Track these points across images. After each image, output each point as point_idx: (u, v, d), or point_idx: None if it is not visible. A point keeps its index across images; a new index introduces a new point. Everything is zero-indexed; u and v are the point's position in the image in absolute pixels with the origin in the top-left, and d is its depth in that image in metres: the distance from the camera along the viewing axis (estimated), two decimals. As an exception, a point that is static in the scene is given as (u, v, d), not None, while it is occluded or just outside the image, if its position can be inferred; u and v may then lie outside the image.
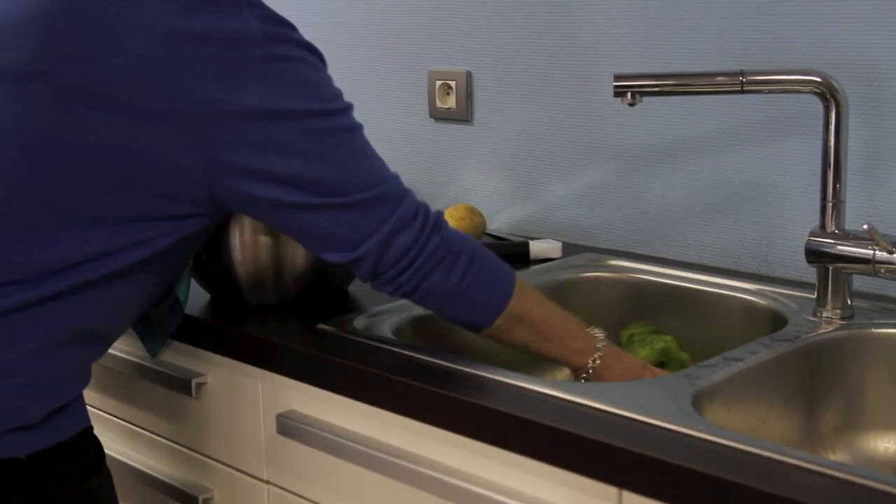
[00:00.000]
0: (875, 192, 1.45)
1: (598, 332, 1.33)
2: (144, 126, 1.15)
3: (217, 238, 1.40)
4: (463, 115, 1.92)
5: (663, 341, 1.48)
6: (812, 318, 1.36)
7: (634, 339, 1.50)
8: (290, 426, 1.32)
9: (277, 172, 1.17)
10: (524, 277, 1.57)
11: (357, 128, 1.25)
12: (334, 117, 1.22)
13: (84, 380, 1.27)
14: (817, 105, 1.34)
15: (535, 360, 1.55)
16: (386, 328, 1.35)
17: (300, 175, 1.18)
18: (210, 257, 1.42)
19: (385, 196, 1.22)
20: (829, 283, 1.35)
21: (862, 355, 1.31)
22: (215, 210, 1.23)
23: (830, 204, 1.34)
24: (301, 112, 1.19)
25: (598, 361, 1.30)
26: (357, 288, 1.52)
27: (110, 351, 1.57)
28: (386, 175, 1.24)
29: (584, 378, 1.30)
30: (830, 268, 1.35)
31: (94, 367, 1.63)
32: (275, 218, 1.23)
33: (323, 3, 2.12)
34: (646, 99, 1.41)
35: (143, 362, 1.52)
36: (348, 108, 1.25)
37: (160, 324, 1.44)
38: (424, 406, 1.17)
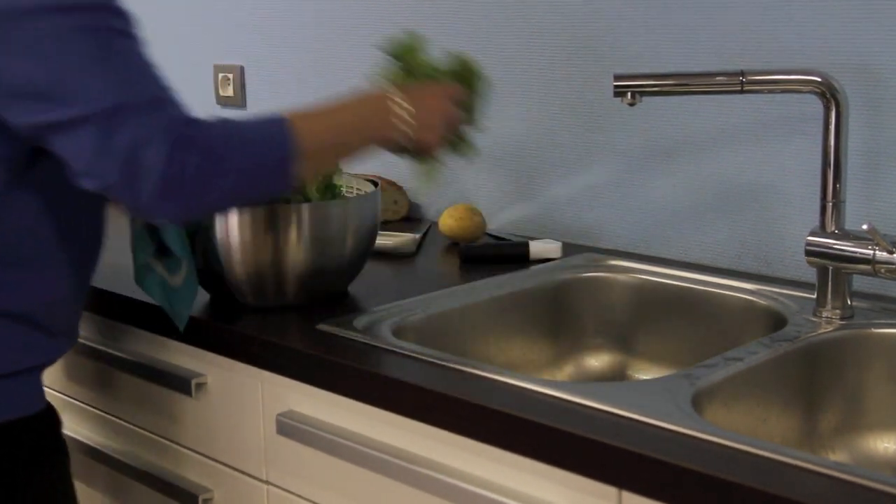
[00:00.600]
0: (875, 192, 1.45)
1: (371, 87, 1.28)
2: None
3: (217, 238, 1.40)
4: (463, 115, 1.92)
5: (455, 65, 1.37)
6: (812, 318, 1.36)
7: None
8: (289, 426, 1.32)
9: (9, 80, 1.10)
10: (524, 277, 1.57)
11: (117, 31, 1.12)
12: (83, 14, 1.10)
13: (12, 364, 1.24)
14: (817, 105, 1.34)
15: (535, 361, 1.55)
16: (386, 328, 1.35)
17: (30, 82, 1.09)
18: (210, 258, 1.42)
19: (128, 107, 1.09)
20: (829, 283, 1.35)
21: (862, 355, 1.31)
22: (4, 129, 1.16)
23: (830, 204, 1.34)
24: (37, 7, 1.09)
25: (409, 124, 1.25)
26: (357, 288, 1.52)
27: (110, 350, 1.58)
28: (140, 85, 1.12)
29: (409, 147, 1.27)
30: (830, 268, 1.35)
31: (94, 367, 1.63)
32: (28, 136, 1.15)
33: (323, 3, 2.12)
34: (646, 99, 1.41)
35: (143, 362, 1.52)
36: (107, 6, 1.13)
37: (181, 292, 1.40)
38: (424, 406, 1.17)
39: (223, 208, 1.25)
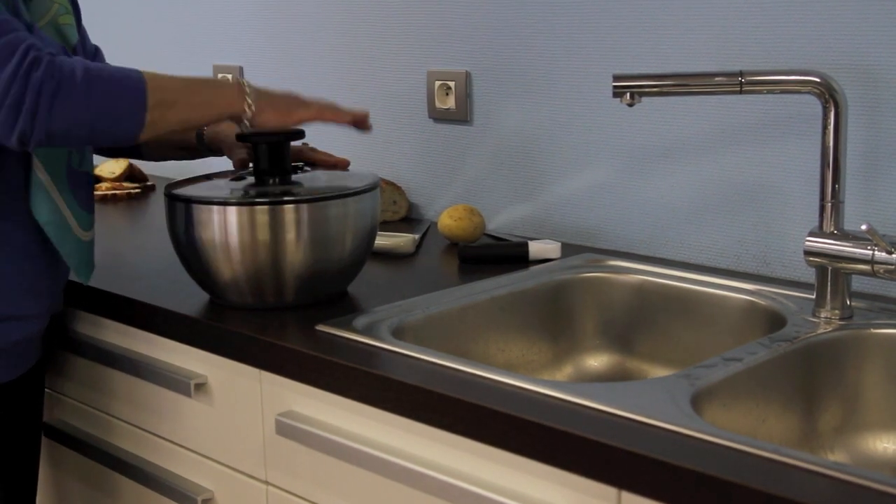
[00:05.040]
0: (874, 192, 1.45)
1: (230, 78, 1.42)
2: None
3: (216, 239, 1.40)
4: (462, 115, 1.92)
5: None
6: (811, 319, 1.36)
7: None
8: (289, 427, 1.32)
9: None
10: (524, 278, 1.58)
11: None
12: None
13: None
14: (816, 105, 1.34)
15: (534, 361, 1.55)
16: (385, 329, 1.35)
17: None
18: (210, 258, 1.42)
19: None
20: (829, 283, 1.35)
21: (861, 356, 1.31)
22: None
23: (829, 204, 1.34)
24: None
25: (251, 102, 1.38)
26: (356, 288, 1.52)
27: (110, 350, 1.58)
28: None
29: (247, 123, 1.38)
30: (829, 268, 1.35)
31: (93, 367, 1.63)
32: None
33: (322, 3, 2.12)
34: (645, 99, 1.41)
35: (143, 362, 1.52)
36: None
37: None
38: (424, 406, 1.17)
39: (67, 137, 1.30)
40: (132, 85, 1.31)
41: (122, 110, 1.30)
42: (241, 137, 1.46)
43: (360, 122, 1.50)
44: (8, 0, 1.35)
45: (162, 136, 1.40)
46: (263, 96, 1.41)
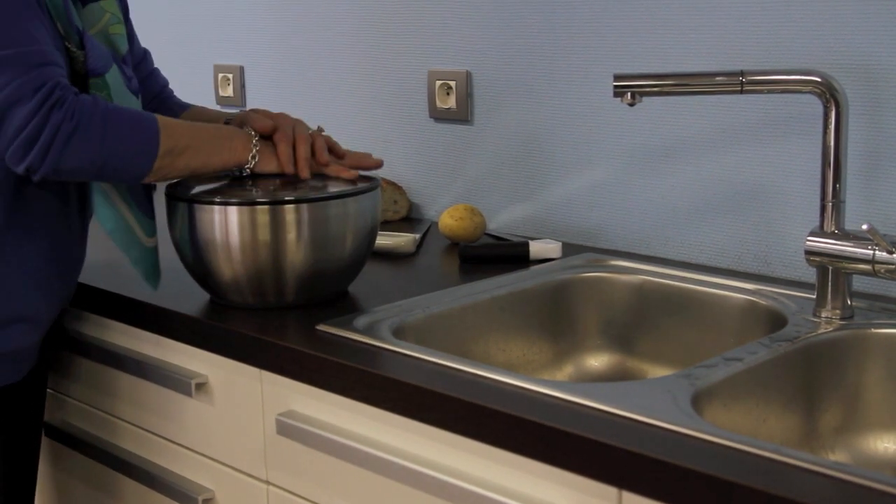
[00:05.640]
0: (875, 192, 1.45)
1: (241, 129, 1.46)
2: None
3: (217, 239, 1.40)
4: (463, 115, 1.92)
5: None
6: (812, 319, 1.36)
7: None
8: (289, 427, 1.32)
9: None
10: (524, 278, 1.58)
11: None
12: None
13: None
14: (817, 105, 1.34)
15: (535, 361, 1.55)
16: (385, 328, 1.35)
17: None
18: (209, 257, 1.42)
19: (5, 62, 1.24)
20: (829, 283, 1.35)
21: (861, 355, 1.31)
22: None
23: (830, 204, 1.34)
24: None
25: (257, 150, 1.42)
26: (357, 288, 1.52)
27: (110, 350, 1.58)
28: (15, 42, 1.26)
29: (249, 170, 1.44)
30: (830, 268, 1.35)
31: (93, 367, 1.63)
32: None
33: (323, 3, 2.12)
34: (646, 99, 1.41)
35: (143, 362, 1.53)
36: None
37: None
38: (424, 406, 1.17)
39: (74, 174, 1.33)
40: (146, 131, 1.33)
41: (133, 155, 1.33)
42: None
43: (366, 167, 1.52)
44: (60, 7, 1.35)
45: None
46: (268, 142, 1.46)
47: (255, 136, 1.45)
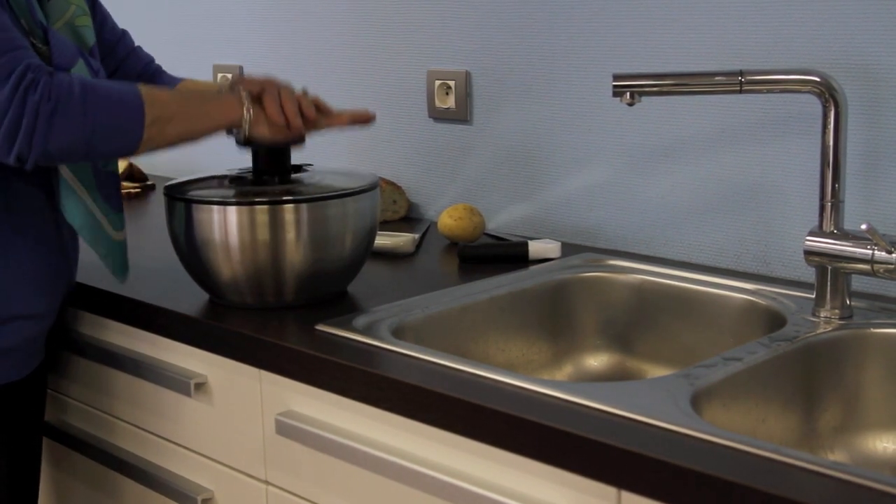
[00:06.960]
0: (874, 192, 1.45)
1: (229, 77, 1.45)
2: None
3: (216, 238, 1.40)
4: (462, 115, 1.92)
5: None
6: (811, 318, 1.36)
7: None
8: (289, 426, 1.32)
9: None
10: (523, 277, 1.58)
11: None
12: None
13: None
14: (816, 105, 1.34)
15: (534, 361, 1.55)
16: (385, 328, 1.35)
17: None
18: (209, 257, 1.42)
19: None
20: (828, 283, 1.35)
21: (861, 355, 1.31)
22: None
23: (829, 204, 1.34)
24: None
25: (250, 113, 1.39)
26: (356, 288, 1.52)
27: (109, 350, 1.58)
28: None
29: (244, 133, 1.40)
30: (829, 268, 1.35)
31: (93, 367, 1.63)
32: None
33: (322, 3, 2.12)
34: (645, 99, 1.41)
35: (143, 362, 1.52)
36: None
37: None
38: (423, 406, 1.17)
39: (65, 156, 1.32)
40: (130, 102, 1.31)
41: (120, 128, 1.31)
42: (242, 144, 1.46)
43: (359, 119, 1.49)
44: (22, 2, 1.35)
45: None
46: (258, 104, 1.41)
47: (247, 99, 1.41)
